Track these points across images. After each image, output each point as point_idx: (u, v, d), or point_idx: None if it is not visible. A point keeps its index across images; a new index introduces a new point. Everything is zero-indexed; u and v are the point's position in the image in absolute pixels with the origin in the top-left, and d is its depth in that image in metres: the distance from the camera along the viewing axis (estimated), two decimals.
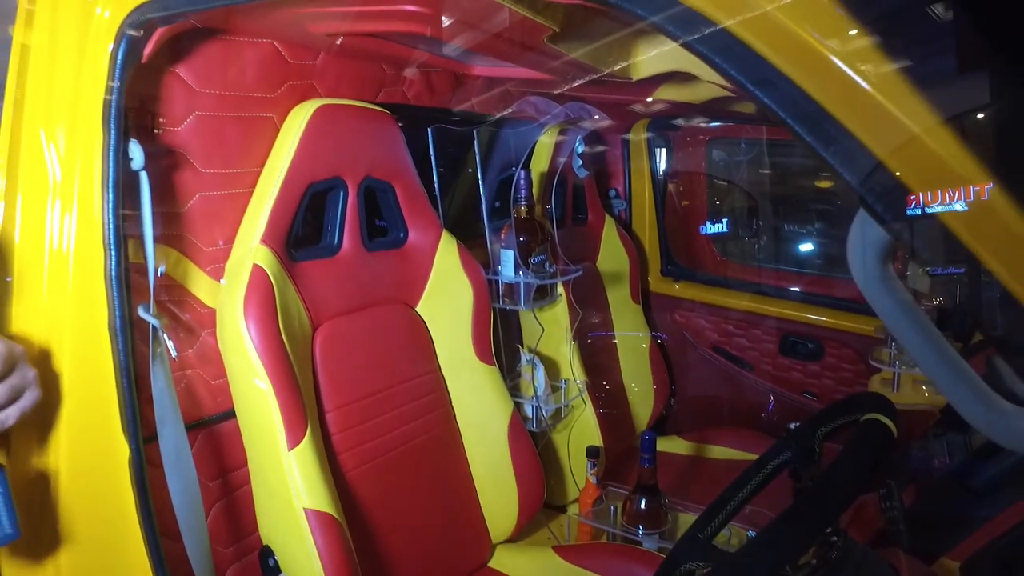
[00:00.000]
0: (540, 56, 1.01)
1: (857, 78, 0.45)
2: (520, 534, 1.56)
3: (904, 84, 0.44)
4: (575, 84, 1.18)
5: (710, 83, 1.37)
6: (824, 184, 2.47)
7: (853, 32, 0.45)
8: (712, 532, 1.12)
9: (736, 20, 0.49)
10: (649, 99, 1.73)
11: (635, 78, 1.16)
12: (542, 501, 1.55)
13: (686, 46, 0.49)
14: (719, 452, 2.05)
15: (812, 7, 0.47)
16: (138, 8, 0.84)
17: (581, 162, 1.88)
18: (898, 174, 0.45)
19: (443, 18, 0.81)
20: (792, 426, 1.46)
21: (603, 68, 1.03)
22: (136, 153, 0.92)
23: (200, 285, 1.15)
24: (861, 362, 2.02)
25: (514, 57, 1.04)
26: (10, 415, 0.75)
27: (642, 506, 1.53)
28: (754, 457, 1.93)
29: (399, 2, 0.77)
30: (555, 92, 1.68)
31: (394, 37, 1.05)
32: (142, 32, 0.86)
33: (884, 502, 1.06)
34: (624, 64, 1.04)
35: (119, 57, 0.86)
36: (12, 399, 0.75)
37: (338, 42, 1.08)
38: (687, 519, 1.61)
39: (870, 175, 0.43)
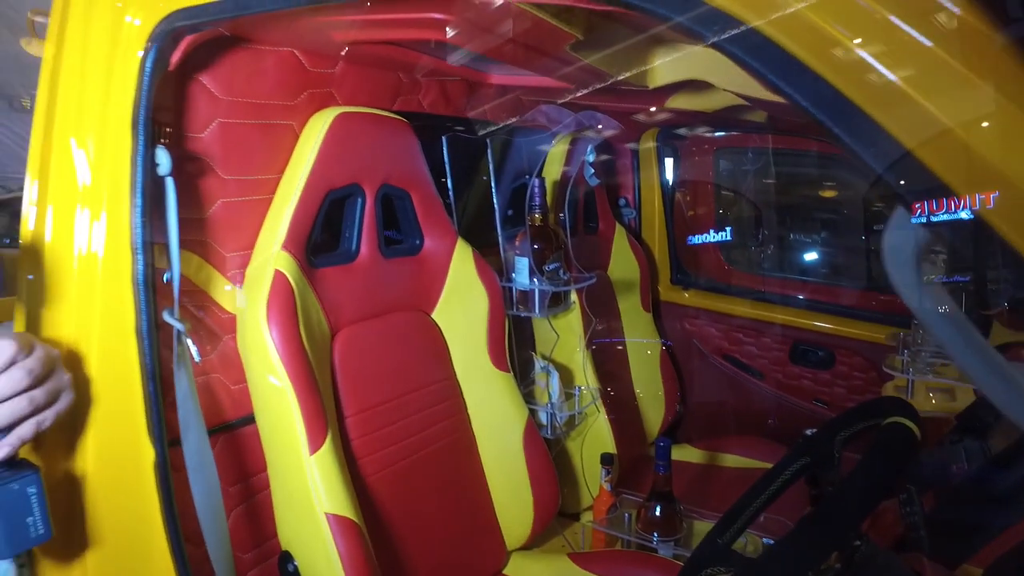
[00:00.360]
0: (559, 64, 1.02)
1: (893, 75, 0.45)
2: (535, 541, 1.56)
3: (946, 80, 0.45)
4: (590, 90, 1.19)
5: (725, 91, 1.39)
6: (828, 193, 2.48)
7: (888, 27, 0.45)
8: (732, 537, 1.12)
9: (765, 20, 0.50)
10: (656, 108, 1.75)
11: (651, 86, 1.17)
12: (557, 508, 1.55)
13: (720, 47, 0.50)
14: (731, 460, 2.04)
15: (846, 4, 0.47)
16: (168, 17, 0.85)
17: (592, 171, 1.90)
18: (940, 173, 0.45)
19: (466, 26, 0.82)
20: (808, 432, 1.46)
21: (621, 76, 1.04)
22: (163, 159, 0.93)
23: (220, 290, 1.16)
24: (872, 370, 2.02)
25: (535, 65, 1.06)
26: (47, 417, 0.76)
27: (657, 513, 1.53)
28: (767, 465, 1.93)
29: (427, 10, 0.79)
30: (567, 101, 1.70)
31: (416, 45, 1.06)
32: (171, 40, 0.87)
33: (904, 507, 1.06)
34: (640, 69, 1.05)
35: (148, 64, 0.87)
36: (50, 402, 0.76)
37: (347, 50, 1.09)
38: (702, 527, 1.61)
39: (910, 175, 0.44)
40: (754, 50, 0.51)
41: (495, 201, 1.72)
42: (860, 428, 1.04)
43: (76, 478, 0.90)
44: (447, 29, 0.84)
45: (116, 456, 0.93)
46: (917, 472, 1.31)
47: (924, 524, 1.02)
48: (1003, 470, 1.05)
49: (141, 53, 0.87)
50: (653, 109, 1.72)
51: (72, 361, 0.88)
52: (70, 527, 0.90)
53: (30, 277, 0.89)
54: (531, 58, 0.99)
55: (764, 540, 1.49)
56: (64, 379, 0.80)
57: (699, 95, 1.44)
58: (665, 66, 1.11)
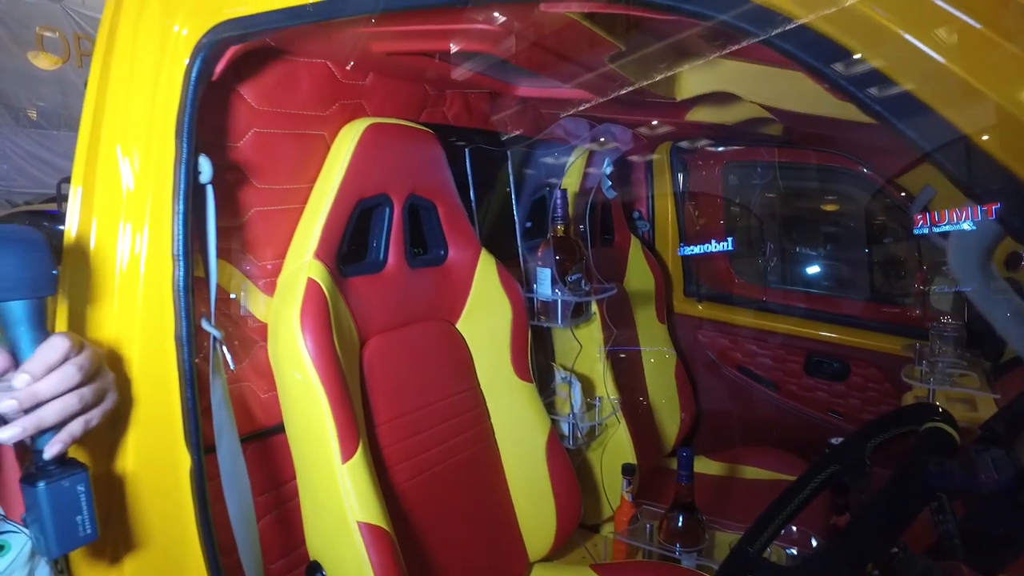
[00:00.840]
0: (592, 75, 1.04)
1: (967, 75, 0.46)
2: (556, 553, 1.56)
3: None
4: (614, 100, 1.21)
5: (745, 105, 1.41)
6: (839, 207, 2.51)
7: (960, 26, 0.46)
8: (762, 546, 1.12)
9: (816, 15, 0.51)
10: (677, 121, 1.76)
11: (679, 98, 1.19)
12: (579, 519, 1.55)
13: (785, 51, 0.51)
14: (749, 472, 2.04)
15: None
16: (215, 27, 0.87)
17: (610, 183, 1.91)
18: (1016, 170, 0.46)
19: (512, 37, 0.84)
20: (833, 441, 1.47)
21: (650, 86, 1.06)
22: (205, 167, 0.94)
23: (252, 299, 1.16)
24: (887, 381, 2.03)
25: (568, 75, 1.07)
26: (95, 416, 0.76)
27: (679, 523, 1.52)
28: (785, 477, 1.93)
29: (473, 22, 0.80)
30: (586, 114, 1.72)
31: (452, 56, 1.08)
32: (217, 50, 0.89)
33: (936, 515, 1.06)
34: (667, 74, 1.06)
35: (194, 73, 0.89)
36: (97, 401, 0.76)
37: (383, 58, 1.10)
38: (724, 537, 1.61)
39: (984, 174, 0.44)
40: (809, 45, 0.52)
41: (515, 212, 1.74)
42: (893, 435, 1.04)
43: (114, 480, 0.90)
44: (490, 40, 0.85)
45: (153, 461, 0.93)
46: (946, 481, 1.32)
47: (958, 532, 1.02)
48: None
49: (187, 62, 0.88)
50: (680, 121, 1.73)
51: (113, 363, 0.88)
52: (107, 529, 0.90)
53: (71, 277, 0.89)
54: (568, 69, 1.00)
55: (787, 551, 1.49)
56: (109, 378, 0.80)
57: (720, 108, 1.46)
58: (694, 78, 1.13)
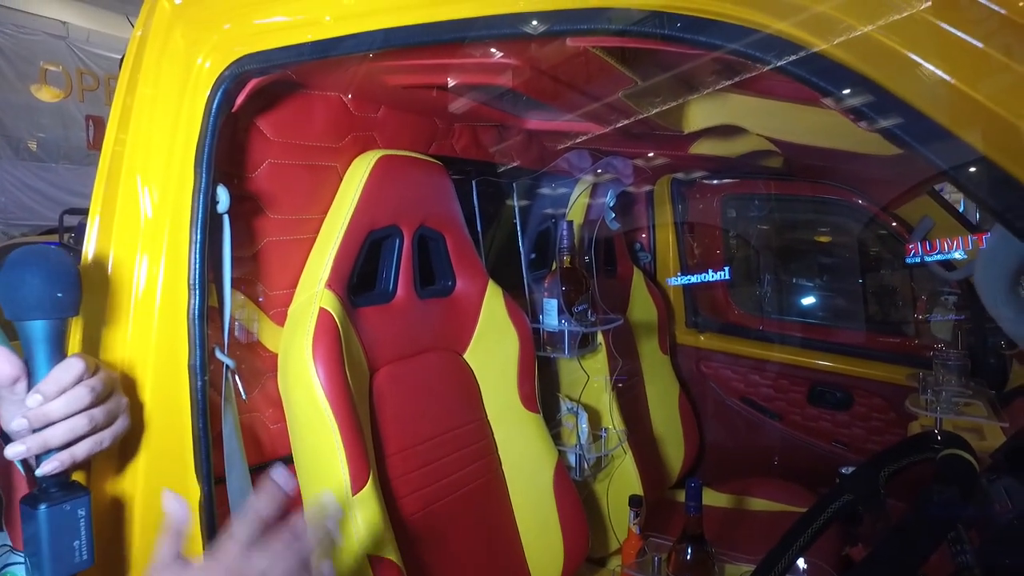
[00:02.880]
0: (604, 108, 1.06)
1: (984, 99, 0.47)
2: None
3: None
4: (620, 131, 1.23)
5: (747, 138, 1.44)
6: (829, 239, 2.55)
7: (974, 52, 0.48)
8: None
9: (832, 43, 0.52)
10: (680, 154, 1.80)
11: (686, 131, 1.21)
12: (587, 552, 1.52)
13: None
14: (755, 504, 2.02)
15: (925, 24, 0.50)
16: (238, 60, 0.89)
17: (613, 215, 1.93)
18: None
19: (530, 72, 0.86)
20: (844, 470, 1.46)
21: (660, 120, 1.08)
22: (223, 196, 0.95)
23: (263, 328, 1.16)
24: (891, 411, 2.03)
25: (580, 108, 1.10)
26: (106, 437, 0.76)
27: (688, 556, 1.50)
28: (792, 508, 1.91)
29: (489, 56, 0.82)
30: (591, 148, 1.75)
31: (465, 88, 1.10)
32: (238, 82, 0.90)
33: (953, 546, 1.05)
34: (675, 103, 1.08)
35: (215, 105, 0.90)
36: (109, 423, 0.76)
37: (397, 91, 1.12)
38: (733, 570, 1.58)
39: (1009, 192, 0.45)
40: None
41: (521, 244, 1.75)
42: (907, 463, 1.04)
43: (120, 506, 0.89)
44: (509, 74, 0.88)
45: (162, 488, 0.92)
46: (961, 512, 1.31)
47: (977, 563, 1.01)
48: None
49: (209, 93, 0.90)
50: (683, 154, 1.76)
51: (126, 389, 0.88)
52: (107, 556, 0.88)
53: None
54: (579, 100, 1.02)
55: None
56: (123, 402, 0.80)
57: (724, 141, 1.49)
58: (703, 111, 1.16)
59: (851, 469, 1.30)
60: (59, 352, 0.73)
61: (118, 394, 0.79)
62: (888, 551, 0.78)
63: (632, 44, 0.73)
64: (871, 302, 2.34)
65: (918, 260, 1.84)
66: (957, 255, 1.78)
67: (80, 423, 0.73)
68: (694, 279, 2.35)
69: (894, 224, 2.04)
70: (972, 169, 0.46)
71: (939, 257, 1.81)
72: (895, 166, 1.45)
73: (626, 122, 1.17)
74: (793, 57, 0.53)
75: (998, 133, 0.45)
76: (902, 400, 1.76)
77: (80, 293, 0.73)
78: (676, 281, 2.41)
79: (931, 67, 0.48)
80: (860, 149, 1.15)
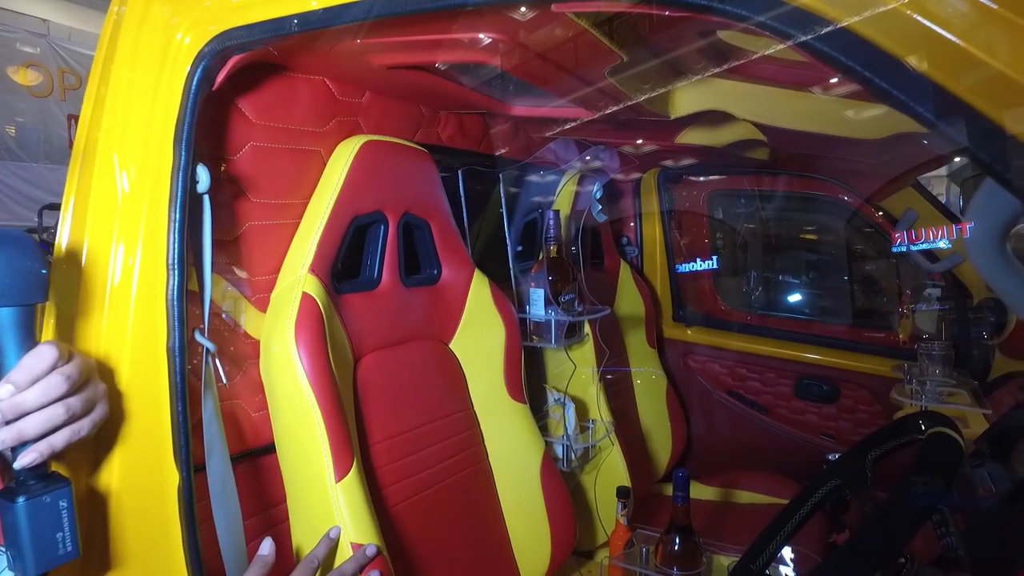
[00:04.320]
0: (590, 90, 1.05)
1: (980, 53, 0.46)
2: None
3: None
4: (606, 119, 1.23)
5: (734, 127, 1.44)
6: (814, 234, 2.57)
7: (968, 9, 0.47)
8: (764, 563, 1.10)
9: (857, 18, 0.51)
10: (667, 144, 1.80)
11: (672, 116, 1.21)
12: (574, 543, 1.51)
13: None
14: (742, 496, 2.02)
15: None
16: (219, 36, 0.87)
17: (600, 207, 1.93)
18: None
19: (514, 47, 0.85)
20: (830, 456, 1.46)
21: (646, 104, 1.08)
22: (203, 176, 0.93)
23: (245, 314, 1.14)
24: (877, 403, 2.04)
25: (567, 90, 1.09)
26: (84, 426, 0.74)
27: (676, 547, 1.49)
28: (779, 501, 1.91)
29: (477, 30, 0.81)
30: (577, 138, 1.75)
31: (450, 73, 1.09)
32: (219, 59, 0.89)
33: (939, 528, 1.05)
34: (662, 90, 1.08)
35: (195, 82, 0.89)
36: (87, 411, 0.74)
37: (379, 75, 1.10)
38: (722, 560, 1.58)
39: (998, 143, 0.45)
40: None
41: (507, 234, 1.74)
42: (894, 446, 1.04)
43: (99, 496, 0.86)
44: (492, 50, 0.87)
45: (141, 476, 0.90)
46: (943, 498, 1.32)
47: (962, 544, 1.02)
48: None
49: (189, 70, 0.88)
50: (670, 144, 1.76)
51: (103, 374, 0.86)
52: (89, 547, 0.86)
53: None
54: (566, 81, 1.02)
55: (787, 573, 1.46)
56: (100, 389, 0.78)
57: (710, 130, 1.49)
58: (689, 96, 1.16)
59: (839, 455, 1.30)
60: (29, 340, 0.71)
61: (95, 381, 0.77)
62: (861, 539, 0.78)
63: (615, 8, 0.72)
64: (856, 295, 2.35)
65: (904, 249, 1.86)
66: (942, 244, 1.80)
67: (57, 412, 0.71)
68: (688, 268, 2.36)
69: (879, 216, 2.06)
70: (960, 122, 0.46)
71: (925, 246, 1.82)
72: (879, 156, 1.46)
73: (613, 107, 1.16)
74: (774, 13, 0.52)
75: (987, 83, 0.45)
76: (887, 392, 1.77)
77: (48, 278, 0.71)
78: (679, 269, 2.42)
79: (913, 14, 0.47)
80: (844, 133, 1.16)
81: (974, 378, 1.76)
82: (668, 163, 2.20)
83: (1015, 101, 0.44)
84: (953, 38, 0.47)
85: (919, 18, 0.47)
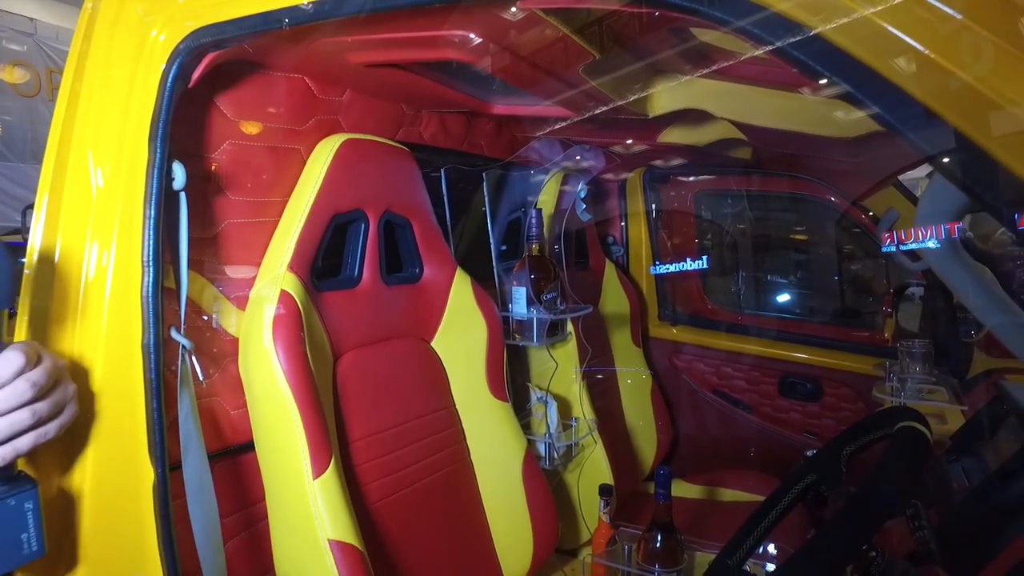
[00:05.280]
0: (567, 89, 1.06)
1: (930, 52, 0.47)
2: None
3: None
4: (588, 117, 1.23)
5: (716, 126, 1.45)
6: (799, 234, 2.58)
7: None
8: (741, 558, 1.11)
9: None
10: (649, 143, 1.80)
11: (651, 115, 1.22)
12: (556, 541, 1.52)
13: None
14: (727, 494, 2.03)
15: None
16: (194, 33, 0.87)
17: (584, 206, 1.94)
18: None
19: (489, 45, 0.85)
20: (809, 453, 1.47)
21: (623, 102, 1.08)
22: (179, 173, 0.93)
23: (224, 312, 1.14)
24: (859, 400, 2.06)
25: (542, 89, 1.09)
26: (50, 430, 0.73)
27: (658, 544, 1.50)
28: (762, 498, 1.91)
29: (452, 27, 0.82)
30: (561, 137, 1.75)
31: (426, 71, 1.10)
32: (194, 56, 0.89)
33: (912, 522, 1.07)
34: (642, 94, 1.09)
35: (170, 79, 0.88)
36: (54, 414, 0.74)
37: (358, 73, 1.10)
38: (703, 558, 1.58)
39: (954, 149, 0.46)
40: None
41: (491, 234, 1.74)
42: (867, 441, 1.05)
43: (71, 495, 0.86)
44: (467, 48, 0.87)
45: (115, 474, 0.90)
46: (920, 491, 1.33)
47: (934, 538, 1.03)
48: (1006, 483, 1.07)
49: (164, 67, 0.88)
50: (652, 143, 1.77)
51: (76, 373, 0.86)
52: (61, 545, 0.86)
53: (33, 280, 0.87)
54: (542, 80, 1.02)
55: (765, 568, 1.47)
56: (70, 390, 0.78)
57: (692, 129, 1.50)
58: (667, 94, 1.16)
59: (816, 451, 1.31)
60: None
61: (65, 382, 0.77)
62: (829, 530, 0.79)
63: (582, 4, 0.72)
64: (839, 294, 2.37)
65: (893, 249, 1.88)
66: (931, 244, 1.82)
67: (21, 418, 0.70)
68: (676, 268, 2.37)
69: (863, 215, 2.07)
70: (914, 119, 0.47)
71: (914, 246, 1.84)
72: (859, 155, 1.47)
73: (593, 106, 1.17)
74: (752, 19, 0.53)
75: (940, 86, 0.45)
76: (870, 390, 1.79)
77: (12, 284, 0.71)
78: (662, 269, 2.42)
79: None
80: (819, 131, 1.17)
81: (954, 375, 1.78)
82: (653, 163, 2.21)
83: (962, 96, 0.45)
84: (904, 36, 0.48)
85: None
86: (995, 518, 1.04)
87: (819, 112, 1.10)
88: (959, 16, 0.50)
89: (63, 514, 0.86)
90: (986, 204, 0.49)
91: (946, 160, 0.47)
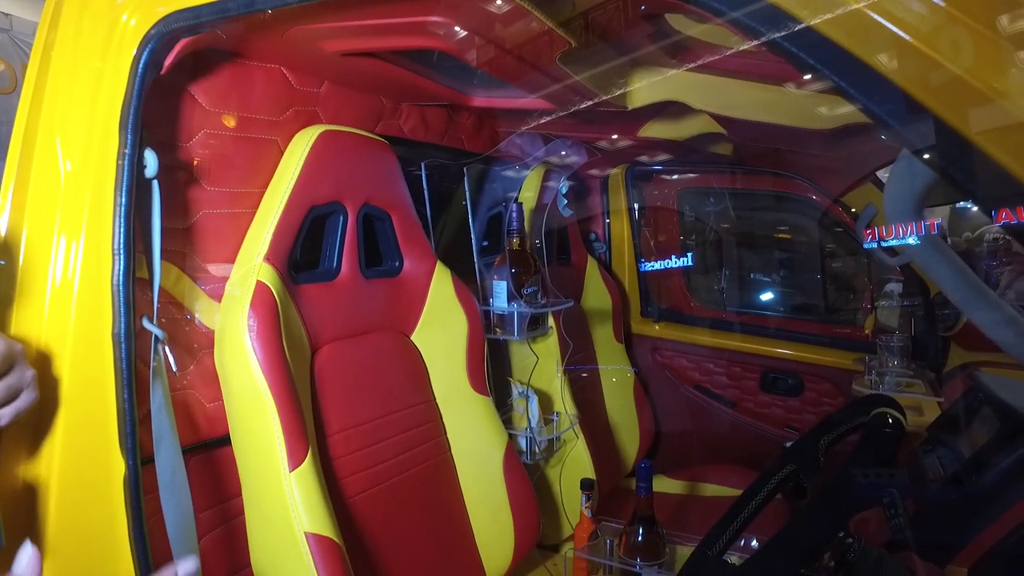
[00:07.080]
0: (545, 79, 1.06)
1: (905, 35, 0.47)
2: (515, 571, 1.51)
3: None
4: (569, 111, 1.23)
5: (696, 120, 1.45)
6: (781, 231, 2.61)
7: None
8: (721, 549, 1.11)
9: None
10: (630, 137, 1.81)
11: (630, 107, 1.22)
12: (538, 535, 1.51)
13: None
14: (709, 489, 2.04)
15: None
16: (165, 18, 0.86)
17: (566, 202, 1.94)
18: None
19: (462, 31, 0.85)
20: (788, 444, 1.48)
21: (602, 93, 1.09)
22: (151, 161, 0.92)
23: (200, 303, 1.13)
24: (840, 395, 2.08)
25: (520, 79, 1.09)
26: (4, 415, 0.72)
27: (640, 538, 1.50)
28: None
29: (424, 13, 0.81)
30: (542, 131, 1.75)
31: (403, 61, 1.09)
32: (166, 42, 0.88)
33: (888, 511, 1.07)
34: (621, 90, 1.09)
35: (141, 64, 0.87)
36: (8, 399, 0.72)
37: (335, 61, 1.10)
38: (685, 551, 1.59)
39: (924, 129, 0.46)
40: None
41: (472, 228, 1.74)
42: (843, 431, 1.06)
43: (36, 487, 0.85)
44: (441, 34, 0.86)
45: (83, 467, 0.88)
46: (898, 477, 1.34)
47: (909, 526, 1.04)
48: (980, 469, 1.08)
49: (135, 52, 0.87)
50: (633, 138, 1.77)
51: (41, 362, 0.84)
52: (24, 538, 0.84)
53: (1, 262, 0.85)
54: (519, 69, 1.02)
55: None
56: (27, 375, 0.76)
57: (672, 123, 1.50)
58: (646, 86, 1.17)
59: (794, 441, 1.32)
60: None
61: (21, 366, 0.75)
62: (801, 518, 0.79)
63: None
64: (821, 291, 2.39)
65: (875, 245, 1.90)
66: (911, 240, 1.83)
67: None
68: (661, 265, 2.38)
69: (844, 212, 2.09)
70: (888, 102, 0.47)
71: (895, 242, 1.85)
72: (837, 150, 1.48)
73: (573, 98, 1.16)
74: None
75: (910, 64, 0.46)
76: (850, 384, 1.80)
77: None
78: (648, 267, 2.43)
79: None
80: (797, 123, 1.18)
81: (932, 369, 1.80)
82: (636, 159, 2.22)
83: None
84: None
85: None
86: (968, 506, 1.05)
87: (796, 104, 1.11)
88: None
89: (27, 507, 0.84)
90: (955, 182, 0.49)
91: (916, 140, 0.47)
